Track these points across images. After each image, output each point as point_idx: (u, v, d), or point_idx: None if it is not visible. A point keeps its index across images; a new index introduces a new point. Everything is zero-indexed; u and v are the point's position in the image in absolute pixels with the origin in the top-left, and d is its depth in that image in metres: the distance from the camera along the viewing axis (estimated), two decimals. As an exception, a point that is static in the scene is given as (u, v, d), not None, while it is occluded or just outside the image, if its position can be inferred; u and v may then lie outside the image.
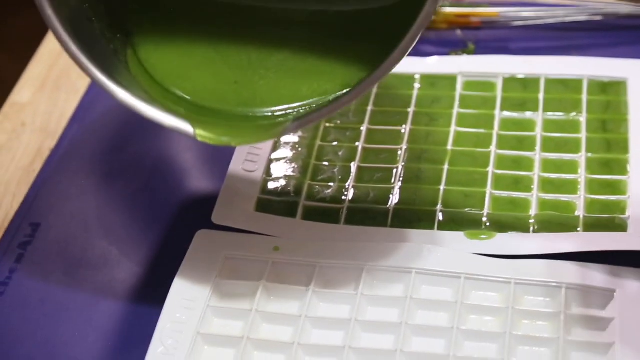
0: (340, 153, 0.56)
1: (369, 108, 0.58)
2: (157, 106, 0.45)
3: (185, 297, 0.48)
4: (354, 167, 0.55)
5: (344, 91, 0.47)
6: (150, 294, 0.49)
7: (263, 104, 0.47)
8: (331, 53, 0.49)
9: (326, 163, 0.55)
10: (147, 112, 0.45)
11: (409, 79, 0.59)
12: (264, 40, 0.49)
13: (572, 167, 0.54)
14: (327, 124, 0.57)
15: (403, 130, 0.57)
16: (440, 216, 0.52)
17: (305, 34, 0.49)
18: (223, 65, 0.48)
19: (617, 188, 0.52)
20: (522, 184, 0.53)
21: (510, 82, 0.58)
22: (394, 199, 0.53)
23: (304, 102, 0.47)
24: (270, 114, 0.47)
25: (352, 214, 0.52)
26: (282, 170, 0.54)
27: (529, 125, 0.56)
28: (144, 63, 0.48)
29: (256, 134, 0.47)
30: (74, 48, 0.44)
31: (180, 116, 0.45)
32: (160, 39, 0.49)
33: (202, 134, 0.45)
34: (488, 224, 0.51)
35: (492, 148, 0.55)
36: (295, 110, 0.47)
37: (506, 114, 0.57)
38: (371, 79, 0.44)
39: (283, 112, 0.47)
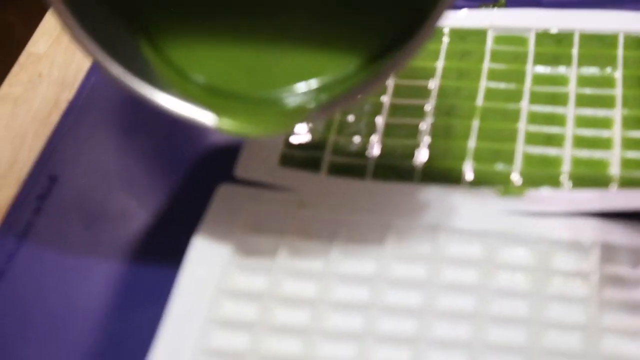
0: (365, 107, 0.54)
1: (396, 62, 0.56)
2: (175, 96, 0.44)
3: (207, 252, 0.47)
4: (380, 121, 0.54)
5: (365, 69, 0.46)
6: (171, 249, 0.48)
7: (281, 84, 0.46)
8: (346, 24, 0.48)
9: (352, 117, 0.54)
10: (167, 105, 0.44)
11: (437, 32, 0.58)
12: (276, 19, 0.48)
13: (606, 123, 0.52)
14: (353, 79, 0.55)
15: (431, 86, 0.55)
16: (469, 173, 0.51)
17: (316, 8, 0.48)
18: (237, 48, 0.47)
19: (653, 145, 0.51)
20: (555, 141, 0.51)
21: (543, 36, 0.57)
22: (422, 155, 0.52)
23: (325, 79, 0.46)
24: (290, 98, 0.46)
25: (378, 169, 0.51)
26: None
27: (562, 80, 0.55)
28: (158, 46, 0.47)
29: (280, 122, 0.46)
30: (90, 45, 0.43)
31: (199, 104, 0.44)
32: (173, 23, 0.48)
33: (225, 123, 0.44)
34: (519, 180, 0.50)
35: (524, 104, 0.53)
36: (318, 91, 0.46)
37: (538, 69, 0.55)
38: (407, 51, 0.43)
39: (304, 95, 0.46)
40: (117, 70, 0.44)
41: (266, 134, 0.46)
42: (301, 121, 0.46)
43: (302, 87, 0.47)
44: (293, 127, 0.47)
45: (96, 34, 0.44)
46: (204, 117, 0.45)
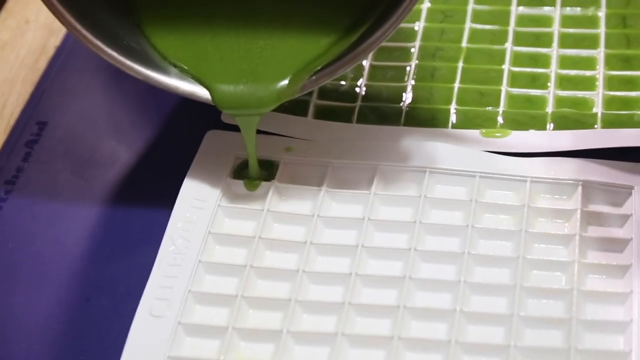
0: (352, 51, 0.55)
1: (382, 5, 0.57)
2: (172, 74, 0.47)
3: (196, 196, 0.48)
4: (366, 65, 0.54)
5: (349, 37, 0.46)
6: (160, 194, 0.48)
7: (269, 78, 0.47)
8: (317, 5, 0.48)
9: (338, 61, 0.54)
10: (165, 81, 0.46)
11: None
12: (250, 4, 0.49)
13: (590, 63, 0.53)
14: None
15: (416, 28, 0.55)
16: (454, 114, 0.51)
17: None
18: (223, 43, 0.48)
19: (636, 84, 0.51)
20: (539, 81, 0.52)
21: (527, -23, 0.57)
22: (408, 97, 0.52)
23: (310, 53, 0.47)
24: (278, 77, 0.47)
25: (364, 112, 0.51)
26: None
27: (546, 21, 0.55)
28: (148, 38, 0.48)
29: (274, 96, 0.46)
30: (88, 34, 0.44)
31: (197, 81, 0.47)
32: (164, 16, 0.48)
33: (224, 99, 0.46)
34: (503, 121, 0.50)
35: (508, 45, 0.54)
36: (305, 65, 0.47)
37: (522, 9, 0.56)
38: (395, 17, 0.44)
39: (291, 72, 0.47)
40: (116, 55, 0.45)
41: (263, 108, 0.47)
42: (294, 94, 0.47)
43: (286, 66, 0.47)
44: (286, 99, 0.47)
45: (92, 24, 0.45)
46: (204, 93, 0.47)
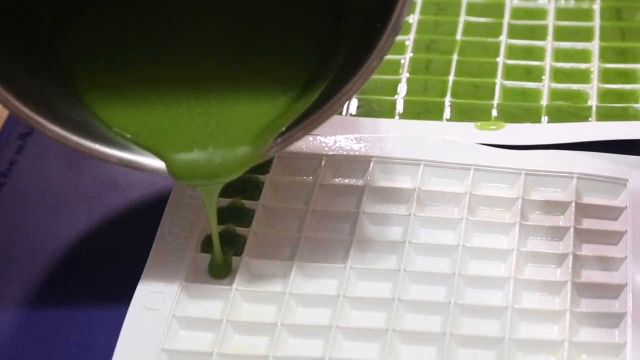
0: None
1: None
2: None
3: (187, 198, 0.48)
4: (360, 57, 0.54)
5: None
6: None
7: (229, 143, 0.43)
8: (271, 59, 0.45)
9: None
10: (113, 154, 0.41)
11: (417, -32, 0.58)
12: (201, 70, 0.45)
13: (585, 56, 0.53)
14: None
15: (411, 20, 0.55)
16: (449, 107, 0.51)
17: (236, 52, 0.45)
18: (173, 110, 0.44)
19: (631, 77, 0.51)
20: (534, 74, 0.52)
21: (522, -30, 0.57)
22: (402, 89, 0.52)
23: (272, 121, 0.43)
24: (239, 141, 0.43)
25: (358, 105, 0.51)
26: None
27: (540, 13, 0.55)
28: (90, 109, 0.44)
29: (238, 163, 0.42)
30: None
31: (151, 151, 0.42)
32: (105, 85, 0.44)
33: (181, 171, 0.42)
34: (498, 114, 0.50)
35: (503, 37, 0.54)
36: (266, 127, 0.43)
37: (517, 2, 0.56)
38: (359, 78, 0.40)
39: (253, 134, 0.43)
40: (59, 131, 0.41)
41: (227, 177, 0.43)
42: (259, 158, 0.43)
43: (246, 130, 0.44)
44: (251, 165, 0.43)
45: (33, 100, 0.41)
46: (159, 164, 0.42)
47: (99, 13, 0.46)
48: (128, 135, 0.43)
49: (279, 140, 0.42)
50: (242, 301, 0.44)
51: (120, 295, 0.44)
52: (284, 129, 0.43)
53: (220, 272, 0.44)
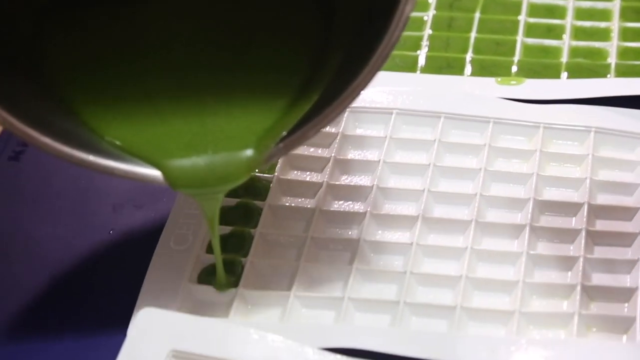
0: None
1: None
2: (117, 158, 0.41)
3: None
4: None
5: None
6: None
7: (231, 149, 0.42)
8: (264, 67, 0.44)
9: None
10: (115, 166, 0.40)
11: None
12: (197, 84, 0.44)
13: (606, 15, 0.54)
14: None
15: (435, -21, 0.57)
16: (470, 63, 0.52)
17: (229, 61, 0.44)
18: (169, 119, 0.43)
19: (650, 35, 0.52)
20: (554, 32, 0.53)
21: None
22: (424, 45, 0.53)
23: (271, 127, 0.42)
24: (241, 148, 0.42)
25: (383, 60, 0.53)
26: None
27: (562, -27, 0.56)
28: (82, 119, 0.42)
29: (243, 168, 0.41)
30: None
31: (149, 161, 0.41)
32: (97, 94, 0.43)
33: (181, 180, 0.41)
34: (518, 70, 0.51)
35: (525, -4, 0.55)
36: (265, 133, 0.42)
37: (540, -38, 0.57)
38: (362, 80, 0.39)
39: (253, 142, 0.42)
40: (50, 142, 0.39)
41: (231, 183, 0.41)
42: (261, 164, 0.42)
43: (245, 136, 0.42)
44: (254, 170, 0.42)
45: (23, 113, 0.39)
46: (155, 174, 0.41)
47: (82, 25, 0.45)
48: (121, 144, 0.42)
49: (281, 145, 0.41)
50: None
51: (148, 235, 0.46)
52: (284, 133, 0.41)
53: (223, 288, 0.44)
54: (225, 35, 0.44)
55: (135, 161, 0.41)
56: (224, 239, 0.44)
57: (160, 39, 0.44)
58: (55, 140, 0.39)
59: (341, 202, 0.46)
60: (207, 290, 0.43)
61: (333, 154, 0.48)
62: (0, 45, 0.41)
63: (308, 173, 0.48)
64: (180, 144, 0.42)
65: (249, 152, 0.41)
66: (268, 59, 0.44)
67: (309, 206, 0.46)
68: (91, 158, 0.40)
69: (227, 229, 0.45)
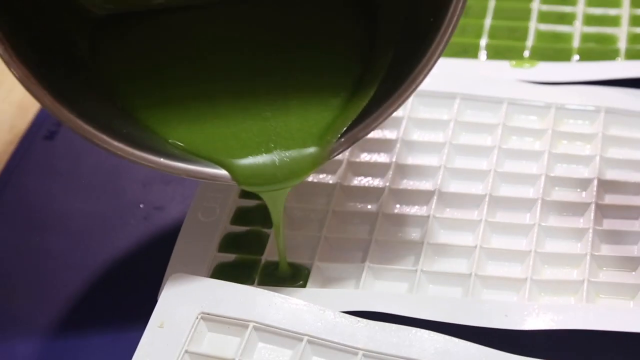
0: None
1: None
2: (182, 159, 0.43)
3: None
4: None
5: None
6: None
7: (294, 147, 0.43)
8: (319, 62, 0.46)
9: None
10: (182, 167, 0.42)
11: None
12: (252, 85, 0.46)
13: (616, 2, 0.56)
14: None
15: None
16: (485, 48, 0.54)
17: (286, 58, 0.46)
18: (229, 119, 0.44)
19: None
20: (566, 19, 0.55)
21: None
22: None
23: (330, 123, 0.44)
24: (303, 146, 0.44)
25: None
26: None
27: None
28: (145, 123, 0.44)
29: (309, 163, 0.43)
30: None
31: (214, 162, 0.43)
32: (158, 100, 0.45)
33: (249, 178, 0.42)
34: (531, 55, 0.53)
35: (538, -14, 0.57)
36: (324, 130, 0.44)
37: (553, -47, 0.59)
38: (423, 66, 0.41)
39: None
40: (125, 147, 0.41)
41: (296, 179, 0.43)
42: (325, 159, 0.43)
43: (306, 133, 0.44)
44: (320, 166, 0.43)
45: (93, 120, 0.41)
46: (220, 172, 0.43)
47: (135, 36, 0.47)
48: (185, 146, 0.43)
49: (342, 140, 0.43)
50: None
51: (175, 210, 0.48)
52: (344, 128, 0.43)
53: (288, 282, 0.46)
54: (273, 39, 0.46)
55: (200, 162, 0.43)
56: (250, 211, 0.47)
57: (210, 44, 0.46)
58: (127, 145, 0.41)
59: (361, 177, 0.49)
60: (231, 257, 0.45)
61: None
62: (62, 60, 0.43)
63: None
64: (244, 143, 0.43)
65: (312, 149, 0.43)
66: (318, 60, 0.46)
67: (330, 182, 0.48)
68: (162, 160, 0.42)
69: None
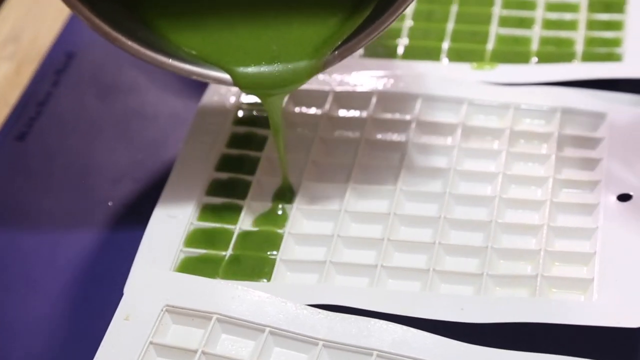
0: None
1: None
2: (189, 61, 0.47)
3: (210, 118, 0.52)
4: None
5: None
6: (178, 116, 0.54)
7: (293, 57, 0.48)
8: None
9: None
10: (186, 68, 0.46)
11: None
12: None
13: (573, 7, 0.57)
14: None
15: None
16: (447, 51, 0.55)
17: None
18: (236, 30, 0.49)
19: (614, 26, 0.55)
20: (525, 23, 0.56)
21: None
22: (404, 35, 0.56)
23: (327, 38, 0.48)
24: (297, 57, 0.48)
25: (367, 48, 0.55)
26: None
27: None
28: (159, 31, 0.48)
29: (305, 72, 0.47)
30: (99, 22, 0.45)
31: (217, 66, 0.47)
32: (172, 10, 0.49)
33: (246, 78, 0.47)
34: (492, 58, 0.55)
35: (499, -8, 0.59)
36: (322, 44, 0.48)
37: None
38: None
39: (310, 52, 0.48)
40: (135, 46, 0.46)
41: (293, 85, 0.48)
42: (319, 70, 0.47)
43: (305, 46, 0.48)
44: (314, 75, 0.48)
45: (111, 20, 0.46)
46: (223, 76, 0.47)
47: None
48: (196, 53, 0.48)
49: (336, 53, 0.47)
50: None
51: (145, 203, 0.49)
52: (339, 43, 0.47)
53: (286, 194, 0.49)
54: None
55: (208, 66, 0.47)
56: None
57: None
58: (141, 45, 0.46)
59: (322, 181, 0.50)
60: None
61: (318, 134, 0.51)
62: None
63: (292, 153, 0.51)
64: (247, 53, 0.48)
65: (307, 60, 0.47)
66: None
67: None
68: (172, 61, 0.46)
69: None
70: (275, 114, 0.49)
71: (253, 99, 0.52)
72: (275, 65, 0.47)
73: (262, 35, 0.49)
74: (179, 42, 0.48)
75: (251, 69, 0.47)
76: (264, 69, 0.47)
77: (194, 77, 0.47)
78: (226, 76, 0.47)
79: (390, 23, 0.46)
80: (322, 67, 0.47)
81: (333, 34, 0.48)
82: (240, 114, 0.52)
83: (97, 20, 0.45)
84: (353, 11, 0.48)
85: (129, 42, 0.45)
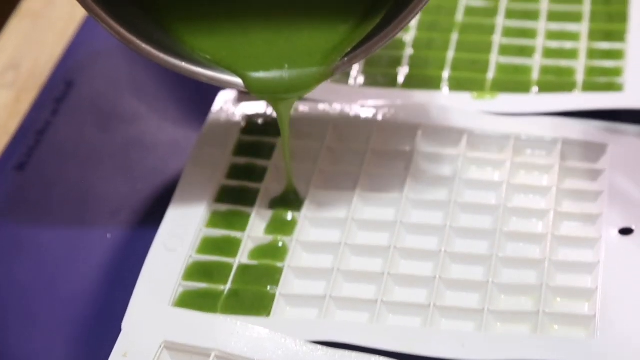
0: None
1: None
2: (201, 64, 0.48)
3: (209, 149, 0.52)
4: (368, 34, 0.58)
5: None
6: (178, 146, 0.54)
7: (303, 63, 0.49)
8: None
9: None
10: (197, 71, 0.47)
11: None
12: (272, 6, 0.51)
13: (574, 36, 0.57)
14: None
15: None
16: (447, 80, 0.55)
17: None
18: (249, 35, 0.50)
19: (615, 55, 0.55)
20: (526, 52, 0.56)
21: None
22: (404, 63, 0.56)
23: (337, 44, 0.49)
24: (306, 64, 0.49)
25: (366, 77, 0.55)
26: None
27: (535, -1, 0.60)
28: (175, 34, 0.49)
29: (315, 77, 0.48)
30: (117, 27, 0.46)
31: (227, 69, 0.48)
32: (188, 14, 0.50)
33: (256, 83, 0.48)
34: (492, 87, 0.54)
35: (500, 19, 0.58)
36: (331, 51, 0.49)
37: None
38: None
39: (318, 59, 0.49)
40: (148, 47, 0.46)
41: (303, 91, 0.49)
42: (329, 75, 0.48)
43: (316, 52, 0.49)
44: (323, 81, 0.48)
45: (126, 23, 0.46)
46: (235, 80, 0.48)
47: None
48: (209, 57, 0.49)
49: (345, 59, 0.48)
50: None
51: (146, 228, 0.49)
52: (348, 50, 0.48)
53: (293, 201, 0.50)
54: None
55: (220, 70, 0.48)
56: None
57: None
58: (154, 48, 0.46)
59: (325, 206, 0.50)
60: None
61: (318, 166, 0.51)
62: None
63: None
64: (259, 58, 0.49)
65: (317, 66, 0.48)
66: None
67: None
68: (184, 64, 0.47)
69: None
70: (284, 119, 0.50)
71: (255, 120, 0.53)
72: (286, 70, 0.48)
73: (274, 41, 0.50)
74: (193, 46, 0.49)
75: (263, 74, 0.48)
76: (275, 74, 0.48)
77: (206, 81, 0.48)
78: (238, 80, 0.48)
79: (399, 31, 0.47)
80: (331, 73, 0.48)
81: (343, 41, 0.49)
82: (241, 145, 0.52)
83: (113, 23, 0.46)
84: (363, 19, 0.49)
85: (143, 45, 0.46)
